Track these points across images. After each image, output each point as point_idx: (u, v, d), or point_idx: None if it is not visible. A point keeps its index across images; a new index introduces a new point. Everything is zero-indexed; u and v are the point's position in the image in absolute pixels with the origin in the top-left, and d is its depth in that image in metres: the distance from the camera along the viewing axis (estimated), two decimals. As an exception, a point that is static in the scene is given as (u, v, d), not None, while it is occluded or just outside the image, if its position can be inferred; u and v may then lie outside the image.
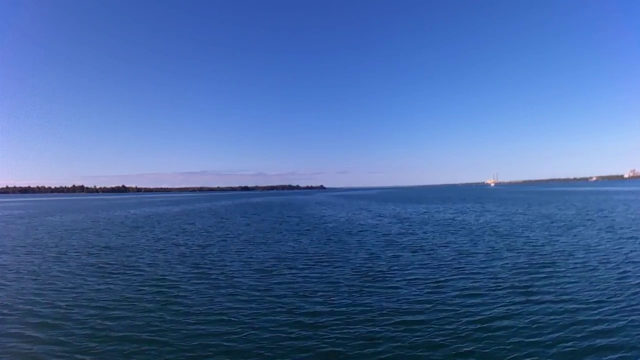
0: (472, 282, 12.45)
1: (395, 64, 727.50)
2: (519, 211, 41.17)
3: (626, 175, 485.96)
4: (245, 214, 47.94)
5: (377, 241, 21.75)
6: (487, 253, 17.21)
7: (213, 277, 14.08)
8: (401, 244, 20.38)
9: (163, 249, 20.69)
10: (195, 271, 15.07)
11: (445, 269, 14.41)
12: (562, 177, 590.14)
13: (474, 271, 13.93)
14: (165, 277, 14.28)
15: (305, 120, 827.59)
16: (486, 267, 14.46)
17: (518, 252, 17.23)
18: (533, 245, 18.94)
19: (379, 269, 14.67)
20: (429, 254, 17.32)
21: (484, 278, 12.93)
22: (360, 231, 26.78)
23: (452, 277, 13.14)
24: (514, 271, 13.75)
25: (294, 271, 14.72)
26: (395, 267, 14.88)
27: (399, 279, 13.19)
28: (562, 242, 19.63)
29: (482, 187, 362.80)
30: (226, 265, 15.98)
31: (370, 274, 14.00)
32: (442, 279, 13.06)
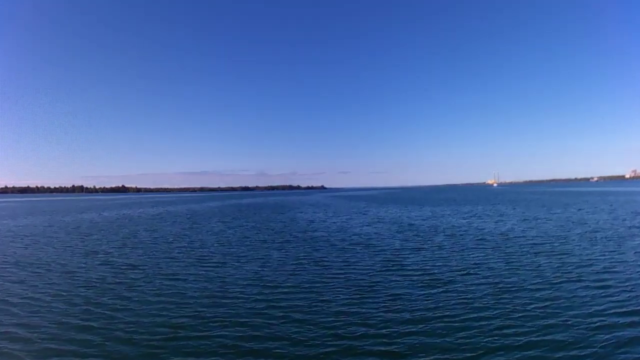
0: (537, 357, 6.83)
1: (396, 63, 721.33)
2: (542, 216, 35.34)
3: (627, 176, 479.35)
4: (226, 218, 42.24)
5: (373, 262, 16.02)
6: (538, 288, 11.38)
7: (101, 331, 8.41)
8: (406, 269, 14.62)
9: (82, 269, 15.07)
10: (93, 311, 9.49)
11: (483, 323, 8.68)
12: (564, 177, 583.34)
13: (531, 328, 8.22)
14: (47, 315, 8.91)
15: (306, 120, 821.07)
16: (547, 317, 8.76)
17: (582, 284, 11.55)
18: (594, 270, 13.23)
19: (373, 319, 9.00)
20: (448, 290, 11.55)
21: (554, 343, 7.25)
22: (353, 244, 21.02)
23: (499, 344, 7.49)
24: (601, 329, 8.07)
25: (238, 324, 9.04)
26: (399, 319, 9.18)
27: (406, 345, 7.53)
28: (631, 265, 13.97)
29: (484, 187, 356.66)
30: (143, 303, 10.29)
31: (358, 332, 8.33)
32: (480, 345, 7.43)
